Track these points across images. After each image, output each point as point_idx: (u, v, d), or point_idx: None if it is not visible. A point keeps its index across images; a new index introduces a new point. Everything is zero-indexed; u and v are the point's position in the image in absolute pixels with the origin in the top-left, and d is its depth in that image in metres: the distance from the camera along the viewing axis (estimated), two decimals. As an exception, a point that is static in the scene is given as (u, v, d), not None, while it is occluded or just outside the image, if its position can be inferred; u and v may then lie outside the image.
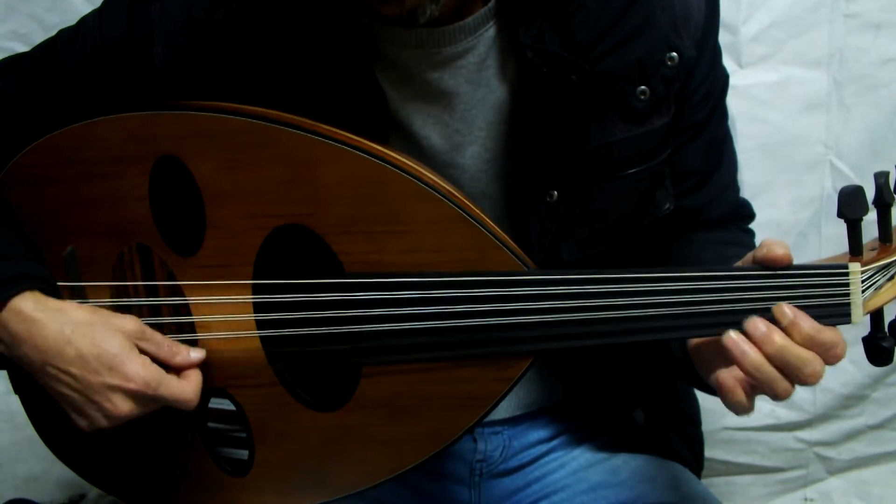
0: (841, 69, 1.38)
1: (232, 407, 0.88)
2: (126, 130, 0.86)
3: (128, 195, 0.86)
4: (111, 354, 0.80)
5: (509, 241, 0.77)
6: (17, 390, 0.98)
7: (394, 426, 0.83)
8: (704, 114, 0.90)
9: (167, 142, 0.84)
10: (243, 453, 0.89)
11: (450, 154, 0.86)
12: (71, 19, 0.92)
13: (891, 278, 0.70)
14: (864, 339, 0.71)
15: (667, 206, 0.88)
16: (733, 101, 0.97)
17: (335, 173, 0.79)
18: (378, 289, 0.79)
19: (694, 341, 0.77)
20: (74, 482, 1.51)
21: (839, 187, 0.70)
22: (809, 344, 0.67)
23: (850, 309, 0.69)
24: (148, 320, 0.86)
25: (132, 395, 0.80)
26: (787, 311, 0.68)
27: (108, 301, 0.89)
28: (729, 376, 0.69)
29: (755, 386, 0.68)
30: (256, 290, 0.84)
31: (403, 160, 0.79)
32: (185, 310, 0.87)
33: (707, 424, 1.05)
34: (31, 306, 0.81)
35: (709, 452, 1.06)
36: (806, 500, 1.56)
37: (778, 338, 0.68)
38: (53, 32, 0.92)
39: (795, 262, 0.71)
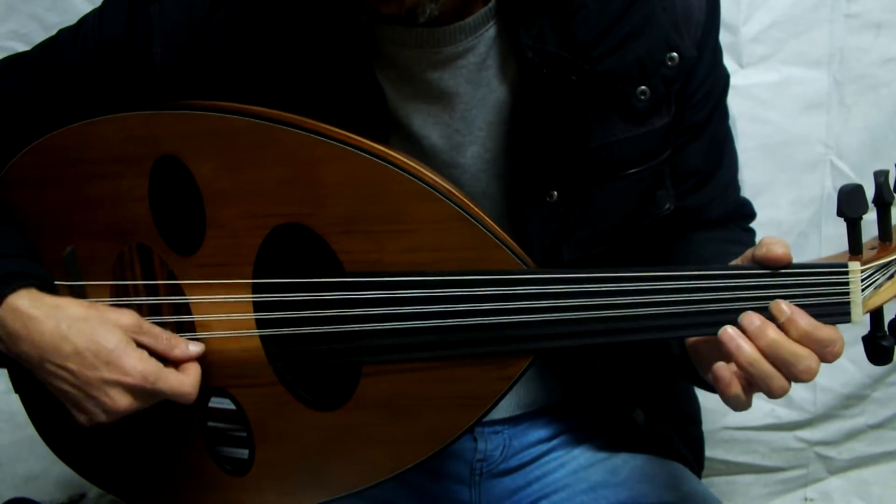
0: (841, 69, 1.38)
1: (232, 406, 0.88)
2: (126, 130, 0.86)
3: (128, 195, 0.86)
4: (108, 349, 0.80)
5: (509, 240, 0.77)
6: (17, 389, 0.98)
7: (394, 425, 0.83)
8: (705, 114, 0.89)
9: (167, 142, 0.84)
10: (243, 453, 0.90)
11: (450, 154, 0.86)
12: (71, 19, 0.92)
13: (890, 277, 0.70)
14: (864, 339, 0.71)
15: (667, 206, 0.88)
16: (734, 101, 0.97)
17: (337, 173, 0.79)
18: (378, 288, 0.79)
19: (692, 339, 0.77)
20: (74, 481, 1.51)
21: (839, 187, 0.70)
22: (806, 341, 0.67)
23: (849, 308, 0.69)
24: (148, 319, 0.86)
25: (130, 389, 0.80)
26: (783, 307, 0.68)
27: (108, 300, 0.89)
28: (726, 369, 0.69)
29: (751, 382, 0.68)
30: (256, 289, 0.84)
31: (404, 160, 0.79)
32: (185, 309, 0.87)
33: (707, 424, 1.05)
34: (27, 303, 0.81)
35: (709, 452, 1.06)
36: (806, 499, 1.56)
37: (771, 332, 0.68)
38: (54, 32, 0.92)
39: (795, 261, 0.71)
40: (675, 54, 0.83)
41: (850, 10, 1.36)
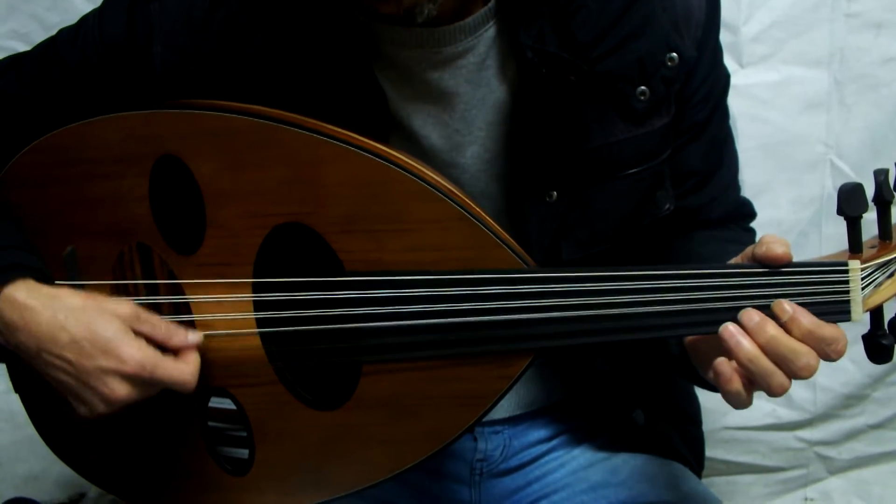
0: (842, 69, 1.38)
1: (232, 406, 0.88)
2: (126, 130, 0.86)
3: (128, 195, 0.87)
4: (105, 338, 0.79)
5: (510, 239, 0.77)
6: (17, 389, 0.98)
7: (394, 425, 0.83)
8: (705, 114, 0.89)
9: (167, 141, 0.84)
10: (243, 452, 0.89)
11: (450, 154, 0.86)
12: (71, 19, 0.92)
13: (890, 276, 0.69)
14: (864, 337, 0.71)
15: (667, 206, 0.88)
16: (734, 101, 0.97)
17: (337, 173, 0.79)
18: (378, 287, 0.79)
19: (691, 337, 0.77)
20: (74, 481, 1.51)
21: (839, 186, 0.70)
22: (809, 339, 0.67)
23: (849, 306, 0.69)
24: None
25: (128, 378, 0.80)
26: (786, 307, 0.68)
27: (108, 300, 0.89)
28: (727, 365, 0.69)
29: (751, 379, 0.68)
30: (256, 288, 0.84)
31: (405, 159, 0.79)
32: (185, 308, 0.87)
33: (707, 424, 1.05)
34: (24, 294, 0.81)
35: (709, 452, 1.06)
36: (806, 499, 1.56)
37: (771, 328, 0.68)
38: (54, 32, 0.92)
39: (795, 260, 0.70)
40: (674, 55, 0.83)
41: (851, 9, 1.36)
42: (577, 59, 0.80)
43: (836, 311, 0.69)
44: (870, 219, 0.70)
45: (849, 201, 0.68)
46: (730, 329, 0.68)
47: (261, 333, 0.84)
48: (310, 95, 0.84)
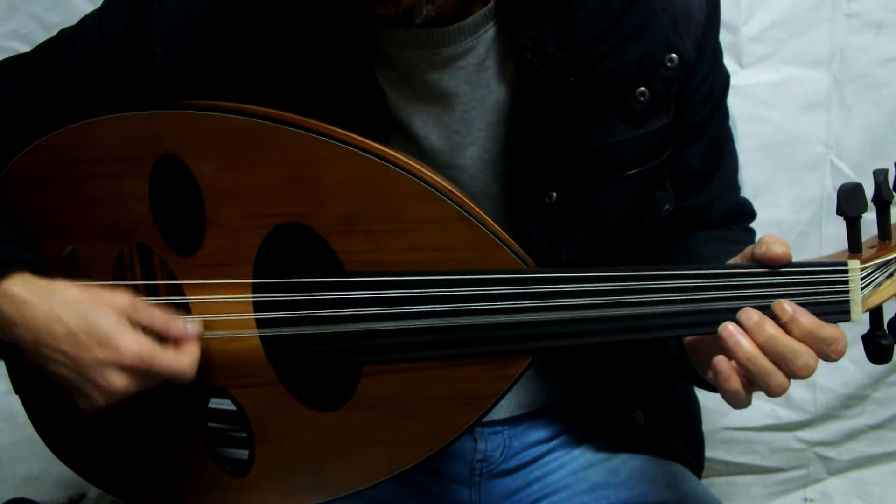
0: (842, 69, 1.38)
1: (232, 407, 0.88)
2: (126, 130, 0.86)
3: (128, 195, 0.87)
4: (102, 329, 0.79)
5: (509, 239, 0.77)
6: (17, 390, 0.98)
7: (394, 425, 0.83)
8: (705, 114, 0.89)
9: (167, 142, 0.84)
10: (243, 453, 0.89)
11: (449, 154, 0.86)
12: (72, 19, 0.92)
13: (890, 276, 0.69)
14: (864, 337, 0.71)
15: (666, 207, 0.88)
16: (734, 101, 0.97)
17: (338, 173, 0.79)
18: (378, 287, 0.79)
19: (690, 337, 0.77)
20: (74, 481, 1.51)
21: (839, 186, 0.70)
22: (809, 340, 0.67)
23: (849, 306, 0.69)
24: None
25: (125, 369, 0.79)
26: (786, 307, 0.68)
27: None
28: (725, 363, 0.68)
29: (750, 379, 0.68)
30: (256, 289, 0.84)
31: (405, 160, 0.79)
32: (185, 309, 0.87)
33: (707, 424, 1.05)
34: (20, 288, 0.81)
35: (709, 452, 1.06)
36: (806, 500, 1.56)
37: (769, 327, 0.67)
38: (54, 32, 0.92)
39: (795, 260, 0.70)
40: (674, 55, 0.83)
41: (851, 9, 1.36)
42: (577, 60, 0.80)
43: (836, 311, 0.69)
44: (869, 219, 0.70)
45: (848, 201, 0.68)
46: (729, 328, 0.68)
47: (261, 334, 0.84)
48: (310, 95, 0.84)
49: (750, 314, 0.68)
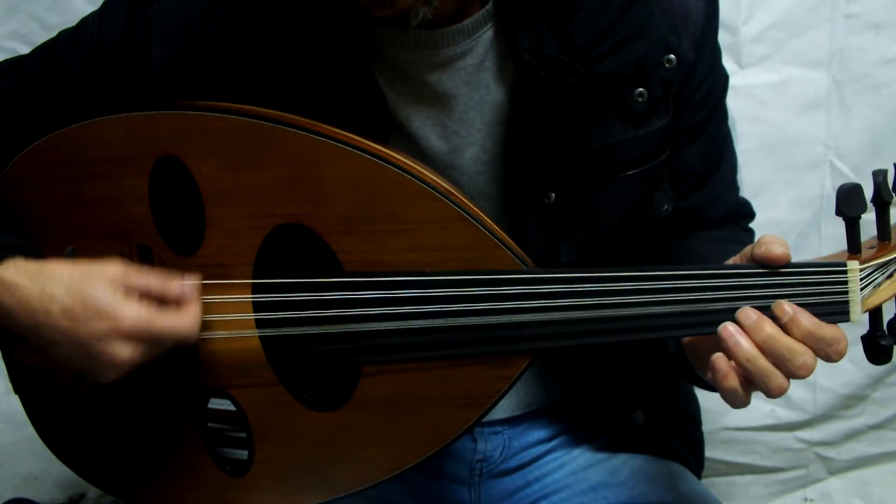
0: (841, 69, 1.38)
1: (232, 407, 0.88)
2: (126, 130, 0.86)
3: (128, 195, 0.87)
4: (96, 301, 0.77)
5: (508, 240, 0.77)
6: (17, 390, 0.98)
7: (393, 425, 0.83)
8: (704, 114, 0.89)
9: (167, 142, 0.84)
10: (243, 453, 0.89)
11: (448, 155, 0.86)
12: (72, 19, 0.92)
13: (889, 276, 0.69)
14: (863, 338, 0.71)
15: (665, 207, 0.88)
16: (733, 102, 0.97)
17: (337, 173, 0.79)
18: (377, 288, 0.79)
19: (688, 337, 0.77)
20: (74, 481, 1.52)
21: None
22: (810, 340, 0.67)
23: (848, 307, 0.69)
24: None
25: (128, 336, 0.78)
26: (786, 307, 0.68)
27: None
28: (723, 360, 0.68)
29: (749, 380, 0.68)
30: (256, 289, 0.84)
31: (404, 160, 0.79)
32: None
33: (707, 424, 1.05)
34: (11, 273, 0.80)
35: (709, 452, 1.06)
36: (806, 500, 1.56)
37: (767, 326, 0.67)
38: (54, 33, 0.92)
39: (794, 261, 0.70)
40: (672, 56, 0.83)
41: (850, 10, 1.36)
42: (575, 61, 0.80)
43: (835, 311, 0.69)
44: (869, 219, 0.70)
45: (847, 202, 0.68)
46: (728, 329, 0.68)
47: (260, 334, 0.84)
48: (309, 96, 0.84)
49: (748, 313, 0.68)
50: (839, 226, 0.70)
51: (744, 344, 0.67)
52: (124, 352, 0.78)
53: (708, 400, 0.98)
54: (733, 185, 0.96)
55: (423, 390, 0.81)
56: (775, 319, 0.68)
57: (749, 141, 1.39)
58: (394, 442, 0.83)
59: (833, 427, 1.52)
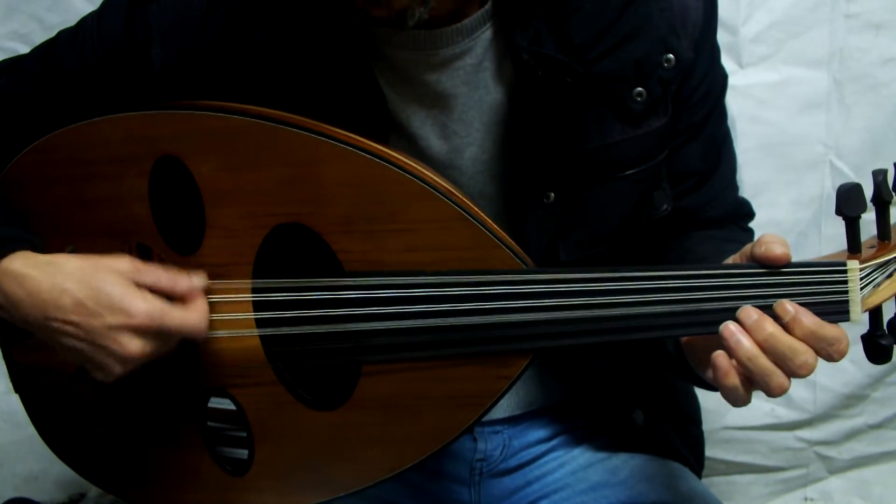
0: (841, 69, 1.38)
1: (232, 406, 0.88)
2: (126, 130, 0.86)
3: (128, 195, 0.87)
4: (108, 294, 0.78)
5: (508, 239, 0.77)
6: (17, 389, 0.98)
7: (393, 425, 0.83)
8: (703, 114, 0.89)
9: (167, 142, 0.84)
10: (243, 453, 0.90)
11: (448, 155, 0.87)
12: (71, 19, 0.92)
13: (889, 276, 0.69)
14: (863, 337, 0.71)
15: (664, 206, 0.88)
16: (733, 101, 0.97)
17: (337, 173, 0.79)
18: (377, 287, 0.79)
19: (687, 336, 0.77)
20: (74, 481, 1.52)
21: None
22: (811, 340, 0.67)
23: (848, 307, 0.69)
24: None
25: (138, 331, 0.78)
26: (788, 307, 0.68)
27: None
28: (724, 358, 0.68)
29: (750, 378, 0.68)
30: (256, 289, 0.84)
31: (404, 160, 0.79)
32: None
33: (707, 424, 1.05)
34: (20, 264, 0.80)
35: (709, 452, 1.06)
36: (806, 499, 1.56)
37: (769, 325, 0.67)
38: (54, 32, 0.92)
39: (794, 260, 0.70)
40: (671, 56, 0.83)
41: (850, 10, 1.36)
42: (574, 61, 0.80)
43: (835, 311, 0.69)
44: (869, 219, 0.70)
45: (847, 201, 0.68)
46: (730, 328, 0.68)
47: (260, 334, 0.84)
48: (309, 96, 0.84)
49: (749, 312, 0.68)
50: (839, 225, 0.70)
51: (745, 343, 0.67)
52: (134, 346, 0.78)
53: (708, 399, 0.98)
54: (733, 185, 0.96)
55: (422, 390, 0.81)
56: (777, 318, 0.68)
57: (749, 141, 1.39)
58: (393, 441, 0.83)
59: (833, 426, 1.52)
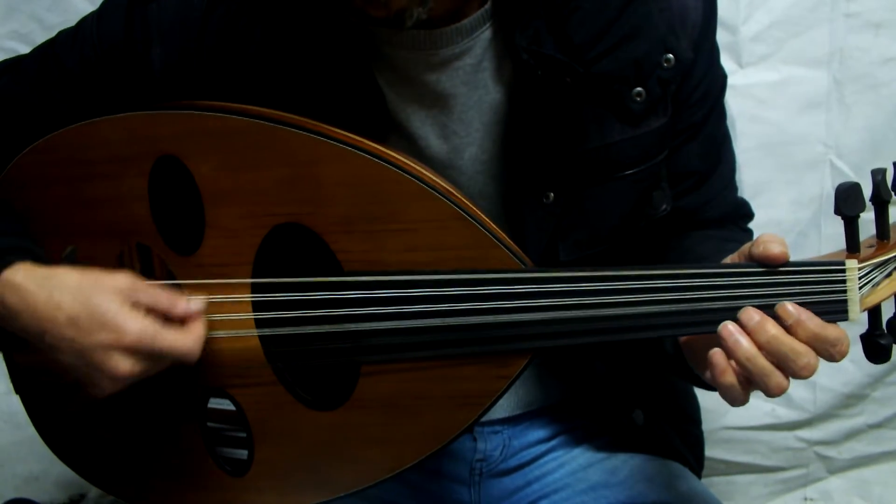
0: (841, 68, 1.38)
1: (232, 407, 0.88)
2: (126, 130, 0.86)
3: (128, 195, 0.87)
4: (102, 312, 0.77)
5: (507, 239, 0.77)
6: (17, 390, 0.98)
7: (393, 425, 0.83)
8: (702, 114, 0.89)
9: (167, 142, 0.85)
10: (243, 453, 0.90)
11: (447, 156, 0.87)
12: (72, 19, 0.92)
13: (888, 275, 0.69)
14: (862, 337, 0.71)
15: (664, 206, 0.88)
16: (733, 101, 0.97)
17: (336, 173, 0.79)
18: (376, 287, 0.79)
19: (685, 336, 0.77)
20: (74, 482, 1.52)
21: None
22: (814, 341, 0.67)
23: (847, 306, 0.69)
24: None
25: (128, 350, 0.78)
26: (790, 309, 0.68)
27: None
28: (721, 356, 0.68)
29: (749, 379, 0.68)
30: (255, 288, 0.84)
31: (404, 160, 0.79)
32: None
33: (707, 424, 1.05)
34: (21, 276, 0.80)
35: (709, 452, 1.06)
36: (806, 499, 1.56)
37: (771, 327, 0.67)
38: (54, 32, 0.92)
39: (793, 260, 0.70)
40: (671, 56, 0.83)
41: (850, 9, 1.36)
42: (573, 61, 0.80)
43: (834, 310, 0.69)
44: (868, 219, 0.70)
45: (846, 201, 0.68)
46: (729, 328, 0.68)
47: (260, 334, 0.84)
48: (309, 95, 0.84)
49: (751, 314, 0.68)
50: (839, 225, 0.70)
51: (743, 343, 0.67)
52: (124, 365, 0.78)
53: (708, 399, 0.98)
54: (732, 185, 0.96)
55: (422, 390, 0.81)
56: (778, 320, 0.68)
57: (749, 140, 1.39)
58: (393, 441, 0.84)
59: (833, 426, 1.52)
